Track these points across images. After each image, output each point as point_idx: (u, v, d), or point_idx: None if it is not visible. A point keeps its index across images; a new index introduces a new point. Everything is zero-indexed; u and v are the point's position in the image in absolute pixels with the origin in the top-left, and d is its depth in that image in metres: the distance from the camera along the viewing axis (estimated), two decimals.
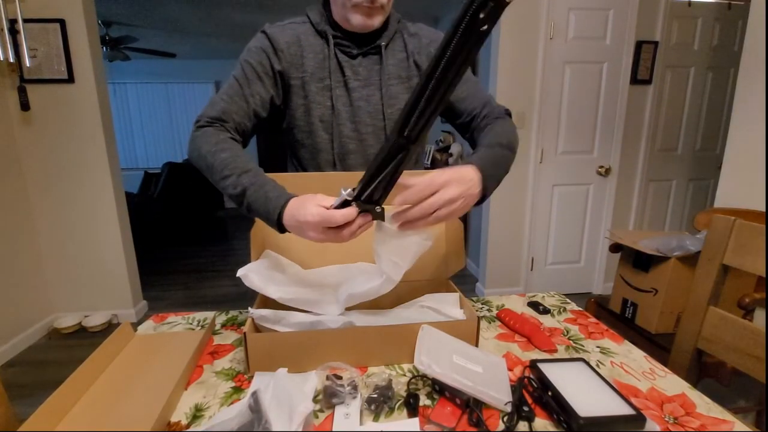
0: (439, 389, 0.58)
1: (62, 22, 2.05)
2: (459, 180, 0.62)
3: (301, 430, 0.48)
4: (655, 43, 2.45)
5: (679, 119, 2.67)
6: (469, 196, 0.63)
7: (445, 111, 0.91)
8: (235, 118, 0.81)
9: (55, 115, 2.15)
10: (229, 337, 0.78)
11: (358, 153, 0.90)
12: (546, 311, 0.88)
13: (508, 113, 0.87)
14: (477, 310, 0.88)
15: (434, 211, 0.59)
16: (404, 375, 0.64)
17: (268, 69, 0.83)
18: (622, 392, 0.56)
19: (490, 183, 0.67)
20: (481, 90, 0.90)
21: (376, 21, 0.81)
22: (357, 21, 0.80)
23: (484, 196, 0.67)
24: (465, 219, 3.05)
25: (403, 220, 0.61)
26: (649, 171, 2.70)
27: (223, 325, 0.83)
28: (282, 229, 0.65)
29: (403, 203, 0.60)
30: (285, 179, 0.81)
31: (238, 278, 0.70)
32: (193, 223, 4.46)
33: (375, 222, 0.61)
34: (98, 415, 0.56)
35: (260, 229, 0.80)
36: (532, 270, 2.73)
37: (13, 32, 1.98)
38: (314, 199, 0.60)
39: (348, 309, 0.75)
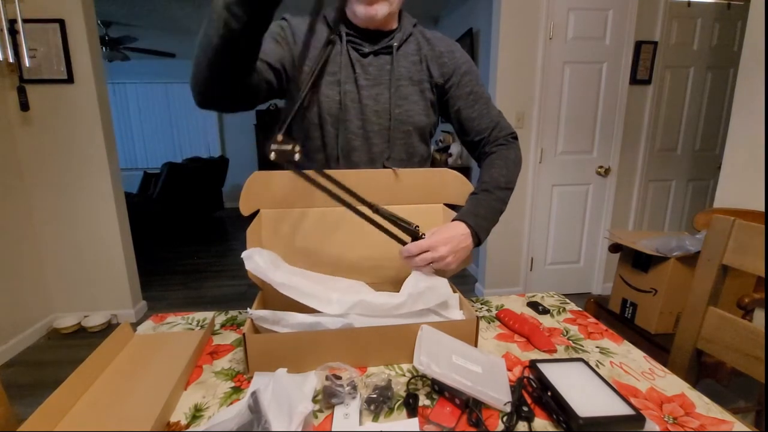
0: (439, 389, 0.58)
1: (62, 23, 2.05)
2: (447, 240, 0.73)
3: (300, 430, 0.48)
4: (655, 43, 2.45)
5: (679, 119, 2.67)
6: (459, 251, 0.74)
7: (455, 127, 0.96)
8: None
9: (55, 115, 2.15)
10: (228, 337, 0.78)
11: (362, 150, 0.90)
12: (545, 311, 0.88)
13: (515, 137, 0.93)
14: (476, 311, 0.88)
15: (428, 264, 0.72)
16: (404, 375, 0.64)
17: (284, 40, 0.84)
18: (621, 392, 0.56)
19: (482, 234, 0.78)
20: (492, 109, 0.94)
21: (380, 10, 0.80)
22: (360, 11, 0.81)
23: (478, 243, 0.78)
24: None
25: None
26: (648, 171, 2.70)
27: (223, 325, 0.83)
28: None
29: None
30: (286, 177, 0.81)
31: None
32: (192, 224, 4.47)
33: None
34: (98, 415, 0.56)
35: (257, 228, 0.80)
36: (531, 270, 2.73)
37: (13, 32, 1.98)
38: None
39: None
